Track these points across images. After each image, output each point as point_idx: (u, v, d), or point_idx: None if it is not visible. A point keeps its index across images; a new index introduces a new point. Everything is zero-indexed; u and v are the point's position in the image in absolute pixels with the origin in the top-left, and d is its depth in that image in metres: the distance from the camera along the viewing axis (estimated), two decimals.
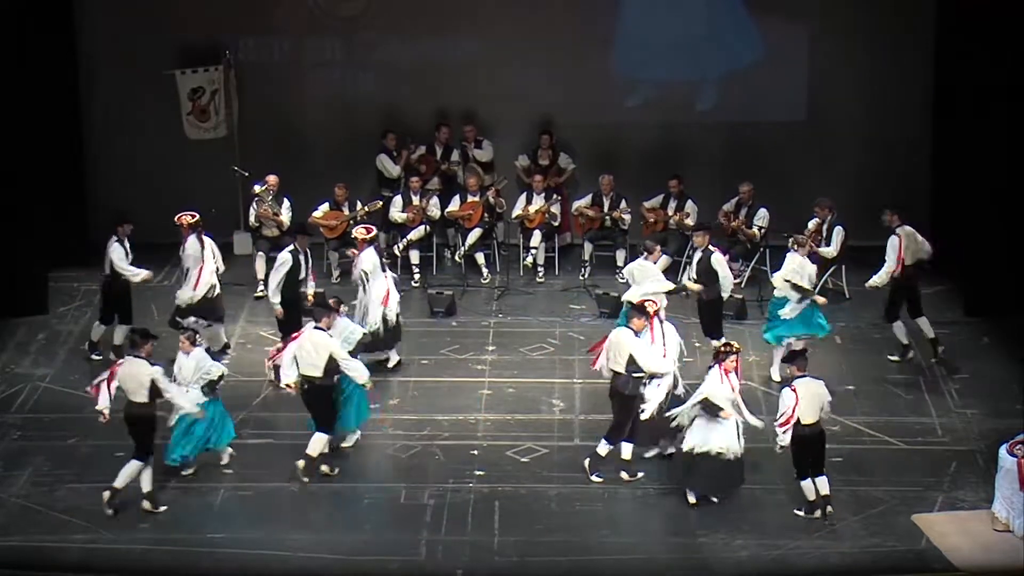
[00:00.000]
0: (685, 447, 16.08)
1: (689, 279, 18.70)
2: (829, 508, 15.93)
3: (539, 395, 18.51)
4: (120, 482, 15.98)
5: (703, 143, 22.43)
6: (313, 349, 16.52)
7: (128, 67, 22.13)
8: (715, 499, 16.18)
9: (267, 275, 19.61)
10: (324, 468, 16.70)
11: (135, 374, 15.97)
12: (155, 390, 15.97)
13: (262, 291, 20.38)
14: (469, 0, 22.29)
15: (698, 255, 18.72)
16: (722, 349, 16.21)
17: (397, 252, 21.59)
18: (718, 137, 22.43)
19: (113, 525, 15.83)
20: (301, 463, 16.56)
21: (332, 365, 16.53)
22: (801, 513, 16.00)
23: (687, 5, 22.25)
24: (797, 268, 18.31)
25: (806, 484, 15.96)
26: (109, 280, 19.04)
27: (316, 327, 16.72)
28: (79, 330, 20.08)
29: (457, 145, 22.41)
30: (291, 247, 18.89)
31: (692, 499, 16.17)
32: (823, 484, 15.98)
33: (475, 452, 17.33)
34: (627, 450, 16.60)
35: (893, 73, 21.94)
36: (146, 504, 16.05)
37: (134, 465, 15.97)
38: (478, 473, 16.88)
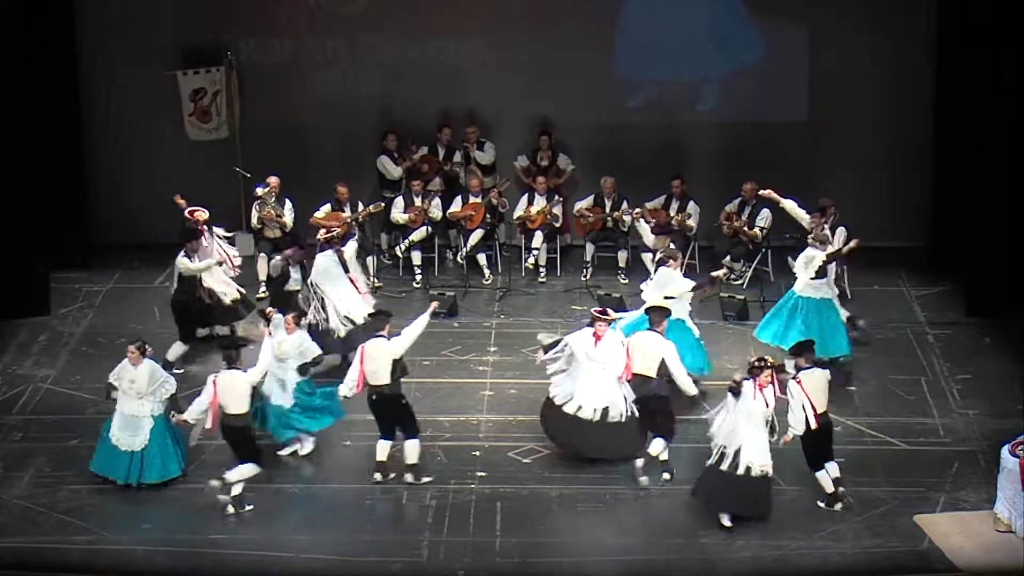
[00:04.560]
0: (725, 466, 15.76)
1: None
2: (841, 489, 16.01)
3: (541, 396, 18.40)
4: (232, 477, 16.07)
5: (704, 144, 22.39)
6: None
7: (129, 67, 22.11)
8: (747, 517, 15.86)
9: (268, 276, 19.79)
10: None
11: (232, 386, 16.05)
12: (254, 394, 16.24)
13: (264, 292, 20.38)
14: (470, 0, 22.27)
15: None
16: (755, 364, 15.89)
17: (399, 253, 21.59)
18: (719, 138, 22.38)
19: (114, 526, 15.84)
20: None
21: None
22: (823, 505, 16.06)
23: (688, 5, 22.22)
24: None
25: (821, 475, 15.99)
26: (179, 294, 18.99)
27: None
28: (80, 331, 20.08)
29: (459, 146, 22.40)
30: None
31: (727, 522, 15.79)
32: (834, 469, 16.08)
33: (477, 453, 17.33)
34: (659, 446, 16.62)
35: (895, 73, 21.89)
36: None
37: (249, 467, 16.17)
38: (480, 474, 16.88)
